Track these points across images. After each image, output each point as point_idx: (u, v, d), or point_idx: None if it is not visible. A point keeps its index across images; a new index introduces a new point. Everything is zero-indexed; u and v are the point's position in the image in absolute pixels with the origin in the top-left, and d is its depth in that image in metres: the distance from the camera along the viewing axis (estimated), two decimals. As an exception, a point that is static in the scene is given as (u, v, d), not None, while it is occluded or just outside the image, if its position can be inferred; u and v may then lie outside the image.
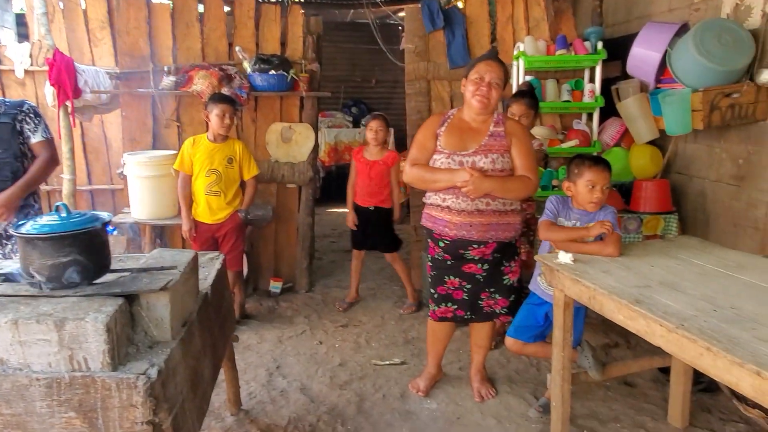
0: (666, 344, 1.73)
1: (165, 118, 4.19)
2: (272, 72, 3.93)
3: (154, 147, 4.25)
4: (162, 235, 4.37)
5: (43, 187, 5.25)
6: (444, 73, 4.39)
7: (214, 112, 3.46)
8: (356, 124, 8.71)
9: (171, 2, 4.10)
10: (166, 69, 4.04)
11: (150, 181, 3.94)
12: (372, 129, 3.90)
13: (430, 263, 2.88)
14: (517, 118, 3.37)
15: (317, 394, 3.04)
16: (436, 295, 2.87)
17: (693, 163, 3.80)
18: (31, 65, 4.52)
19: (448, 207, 2.64)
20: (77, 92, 3.76)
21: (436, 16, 4.33)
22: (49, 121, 5.07)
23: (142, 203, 4.00)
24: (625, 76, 4.08)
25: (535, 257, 2.46)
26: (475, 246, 2.66)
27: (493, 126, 2.66)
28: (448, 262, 2.78)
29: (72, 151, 4.36)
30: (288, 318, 4.13)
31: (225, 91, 3.95)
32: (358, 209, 4.07)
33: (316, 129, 4.58)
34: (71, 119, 4.19)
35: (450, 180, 2.57)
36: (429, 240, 2.82)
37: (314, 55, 4.32)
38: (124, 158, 3.93)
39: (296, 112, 4.39)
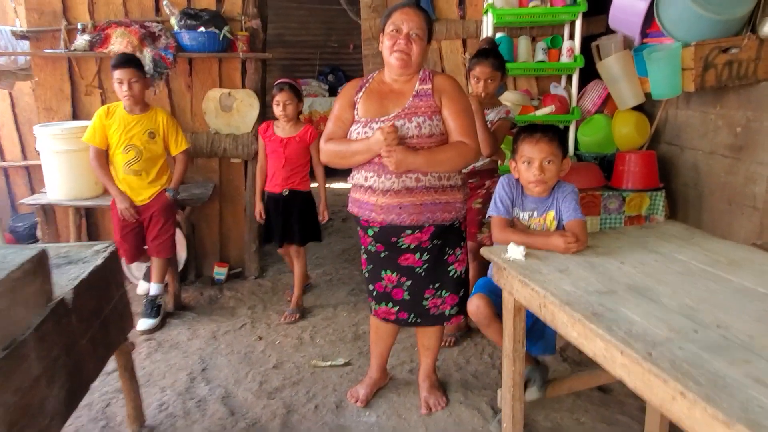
0: (629, 378, 1.29)
1: (84, 84, 3.67)
2: (201, 29, 3.40)
3: (74, 117, 3.74)
4: (88, 218, 3.91)
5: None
6: (405, 31, 3.85)
7: (114, 79, 2.96)
8: (333, 92, 8.17)
9: (83, -53, 3.52)
10: (80, 26, 3.50)
11: (66, 156, 3.45)
12: (278, 102, 3.21)
13: (364, 255, 2.43)
14: (481, 82, 2.89)
15: (240, 404, 2.62)
16: (374, 293, 2.43)
17: (684, 131, 3.31)
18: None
19: (370, 187, 2.18)
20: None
21: (395, -35, 3.78)
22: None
23: (59, 182, 3.51)
24: (611, 32, 3.56)
25: (481, 251, 2.00)
26: (409, 232, 2.21)
27: (418, 84, 2.18)
28: (382, 254, 2.33)
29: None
30: (229, 309, 3.70)
31: (147, 51, 3.43)
32: (269, 197, 3.41)
33: (262, 96, 4.07)
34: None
35: (367, 148, 2.12)
36: (359, 228, 2.37)
37: (256, 11, 3.78)
38: (35, 131, 3.42)
39: (238, 77, 3.88)
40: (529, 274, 1.70)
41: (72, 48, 3.45)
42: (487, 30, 3.65)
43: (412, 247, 2.26)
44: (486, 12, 3.61)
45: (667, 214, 3.25)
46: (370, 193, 2.20)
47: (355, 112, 2.23)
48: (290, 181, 3.33)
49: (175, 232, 3.42)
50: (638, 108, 3.47)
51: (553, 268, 1.74)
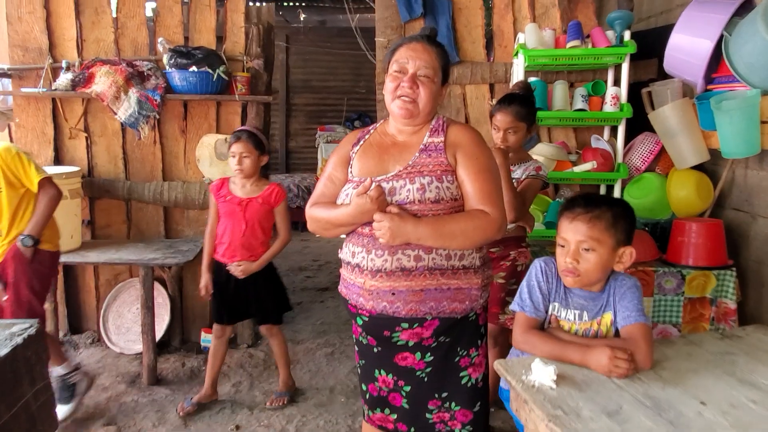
0: None
1: (69, 126, 3.34)
2: (193, 68, 3.03)
3: (57, 162, 3.40)
4: (66, 274, 3.51)
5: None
6: (424, 74, 3.42)
7: None
8: (358, 139, 7.83)
9: (73, -19, 3.25)
10: (64, 64, 3.19)
11: (38, 207, 3.07)
12: (233, 154, 2.63)
13: (355, 347, 1.91)
14: (501, 133, 2.40)
15: None
16: (367, 396, 1.89)
17: (756, 196, 2.71)
18: None
19: (358, 266, 1.68)
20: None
21: (414, 2, 3.39)
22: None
23: (30, 234, 3.12)
24: (664, 77, 3.04)
25: (494, 365, 1.45)
26: (405, 325, 1.67)
27: (428, 136, 1.69)
28: (375, 349, 1.80)
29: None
30: (211, 386, 3.18)
31: (133, 92, 3.08)
32: (219, 267, 2.77)
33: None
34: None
35: (351, 219, 1.63)
36: (348, 314, 1.85)
37: (259, 51, 3.42)
38: None
39: (237, 122, 3.49)
40: (561, 418, 1.14)
41: (53, 87, 3.13)
42: (517, 74, 3.18)
43: (410, 344, 1.72)
44: (516, 54, 3.15)
45: (738, 297, 2.63)
46: (357, 273, 1.69)
47: (349, 169, 1.76)
48: (250, 252, 2.72)
49: (36, 293, 2.56)
50: (699, 167, 2.90)
51: (598, 409, 1.17)
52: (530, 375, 1.31)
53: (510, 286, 2.46)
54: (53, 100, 3.30)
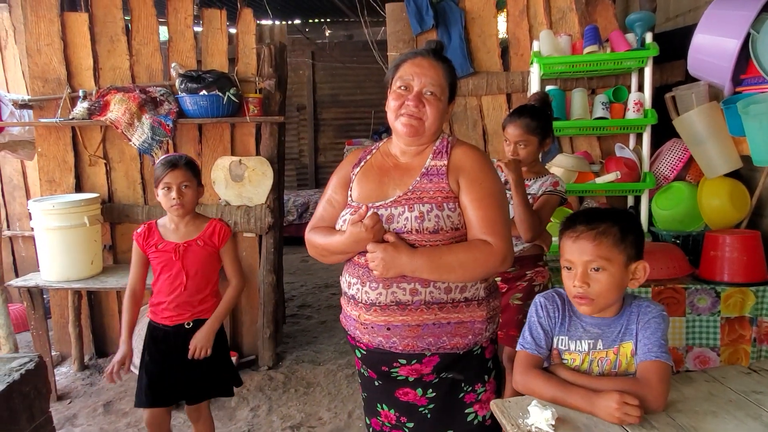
0: None
1: (88, 154, 3.40)
2: (203, 92, 3.04)
3: (78, 189, 3.46)
4: (90, 301, 3.56)
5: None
6: (438, 87, 3.34)
7: None
8: (386, 152, 7.79)
9: (88, 12, 3.31)
10: (81, 94, 3.25)
11: (59, 234, 3.13)
12: (168, 186, 2.11)
13: (359, 379, 1.83)
14: (512, 146, 2.29)
15: None
16: (370, 429, 1.81)
17: (799, 205, 2.50)
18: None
19: (353, 297, 1.59)
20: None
21: (425, 14, 3.31)
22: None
23: (52, 261, 3.19)
24: (690, 81, 2.86)
25: (491, 405, 1.33)
26: (403, 361, 1.58)
27: (430, 158, 1.60)
28: (376, 383, 1.71)
29: (-4, 195, 3.72)
30: (229, 410, 3.15)
31: (146, 118, 3.10)
32: (155, 332, 2.22)
33: (279, 162, 3.65)
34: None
35: (346, 245, 1.54)
36: (349, 345, 1.77)
37: (271, 71, 3.40)
38: (29, 206, 3.14)
39: (252, 144, 3.48)
40: (556, 473, 1.03)
41: (70, 116, 3.19)
42: (534, 83, 3.06)
43: (410, 380, 1.63)
44: (532, 62, 3.03)
45: (781, 316, 2.42)
46: (353, 305, 1.61)
47: (349, 192, 1.68)
48: (197, 306, 2.21)
49: None
50: (733, 173, 2.70)
51: (598, 462, 1.05)
52: (527, 419, 1.20)
53: (527, 308, 2.33)
54: (73, 128, 3.37)
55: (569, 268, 1.36)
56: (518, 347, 1.41)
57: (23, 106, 3.35)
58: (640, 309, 1.36)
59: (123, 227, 3.52)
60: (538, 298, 1.44)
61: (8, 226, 4.24)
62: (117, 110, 3.08)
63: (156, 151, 3.15)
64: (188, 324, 2.19)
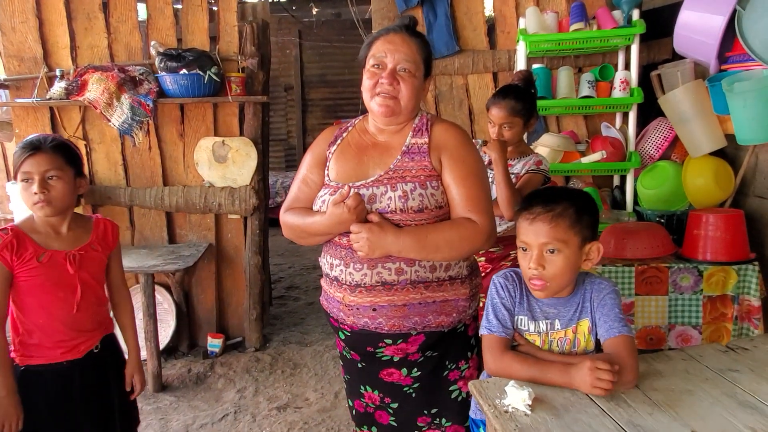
0: None
1: (67, 135, 3.33)
2: (184, 71, 2.97)
3: (58, 171, 3.39)
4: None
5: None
6: (424, 66, 3.29)
7: None
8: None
9: (63, -13, 3.22)
10: (58, 73, 3.17)
11: (39, 217, 3.08)
12: (29, 176, 1.56)
13: (341, 362, 1.82)
14: (496, 128, 2.26)
15: None
16: (353, 411, 1.81)
17: (783, 183, 2.51)
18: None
19: (336, 279, 1.58)
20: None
21: (411, -10, 3.25)
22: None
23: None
24: (677, 59, 2.83)
25: (469, 385, 1.33)
26: (389, 341, 1.57)
27: (410, 137, 1.57)
28: (359, 365, 1.71)
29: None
30: (216, 392, 3.16)
31: (125, 98, 3.04)
32: (43, 373, 1.65)
33: (264, 143, 3.60)
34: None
35: (327, 226, 1.51)
36: (331, 327, 1.76)
37: (254, 49, 3.34)
38: (7, 188, 3.09)
39: (235, 124, 3.42)
40: (531, 451, 1.03)
41: (47, 96, 3.12)
42: (521, 61, 3.02)
43: (395, 360, 1.62)
44: (519, 40, 2.99)
45: (763, 294, 2.44)
46: (336, 287, 1.59)
47: (326, 172, 1.65)
48: (101, 323, 1.77)
49: None
50: (718, 152, 2.70)
51: (574, 438, 1.05)
52: (504, 399, 1.20)
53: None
54: (51, 109, 3.29)
55: (525, 249, 1.35)
56: (484, 331, 1.40)
57: (-1, 85, 3.27)
58: (593, 286, 1.37)
59: (105, 209, 3.47)
60: (497, 278, 1.43)
61: (-12, 209, 4.16)
62: (95, 90, 3.01)
63: (136, 132, 3.09)
64: (96, 348, 1.72)
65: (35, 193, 1.54)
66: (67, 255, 1.62)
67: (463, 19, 3.31)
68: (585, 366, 1.19)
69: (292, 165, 8.86)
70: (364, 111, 1.65)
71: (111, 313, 1.86)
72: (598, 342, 1.33)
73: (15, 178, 1.57)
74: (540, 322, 1.38)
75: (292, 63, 8.78)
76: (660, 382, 1.24)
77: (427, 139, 1.55)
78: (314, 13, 8.51)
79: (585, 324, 1.36)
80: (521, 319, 1.39)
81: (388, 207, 1.47)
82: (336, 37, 8.60)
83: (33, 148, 1.55)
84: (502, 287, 1.40)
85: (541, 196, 1.35)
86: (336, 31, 8.67)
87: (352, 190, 1.48)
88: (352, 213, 1.44)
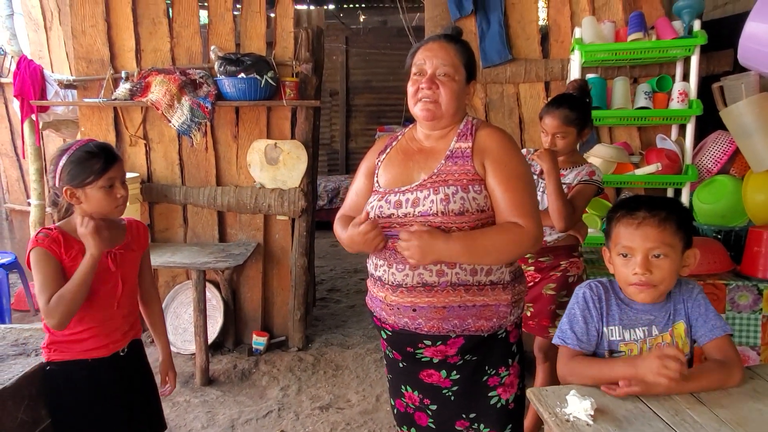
0: None
1: (129, 134, 3.47)
2: (242, 75, 3.07)
3: (119, 169, 3.54)
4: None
5: (8, 205, 4.80)
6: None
7: None
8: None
9: (131, -7, 3.37)
10: (123, 75, 3.32)
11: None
12: (109, 183, 1.63)
13: (384, 361, 1.85)
14: (549, 137, 2.26)
15: None
16: (395, 411, 1.83)
17: None
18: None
19: (380, 279, 1.62)
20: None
21: (465, -1, 3.27)
22: (16, 137, 4.63)
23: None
24: (741, 71, 2.76)
25: (528, 393, 1.33)
26: (428, 342, 1.59)
27: (455, 141, 1.59)
28: (400, 364, 1.73)
29: (41, 171, 3.83)
30: (260, 388, 3.23)
31: (186, 100, 3.16)
32: (96, 367, 1.70)
33: (314, 147, 3.67)
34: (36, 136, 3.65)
35: (348, 245, 1.62)
36: (374, 327, 1.80)
37: (308, 55, 3.42)
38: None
39: (287, 127, 3.51)
40: (595, 462, 1.02)
41: (113, 97, 3.27)
42: (574, 71, 2.99)
43: (435, 361, 1.64)
44: (573, 49, 2.97)
45: (827, 316, 2.34)
46: (380, 287, 1.63)
47: (375, 179, 1.69)
48: (132, 325, 1.82)
49: None
50: (780, 168, 2.61)
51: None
52: (565, 408, 1.20)
53: (560, 299, 2.31)
54: (115, 109, 3.44)
55: (626, 255, 1.35)
56: (558, 341, 1.40)
57: (68, 86, 3.44)
58: (681, 288, 1.38)
59: (161, 207, 3.60)
60: (580, 290, 1.43)
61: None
62: (158, 91, 3.13)
63: (194, 133, 3.21)
64: (123, 351, 1.76)
65: (120, 196, 1.64)
66: (109, 253, 1.67)
67: (516, 27, 3.30)
68: (653, 353, 1.21)
69: (335, 169, 8.97)
70: (408, 117, 1.71)
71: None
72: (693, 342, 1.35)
73: (88, 186, 1.58)
74: (636, 329, 1.38)
75: (338, 69, 8.91)
76: (727, 400, 1.22)
77: (470, 144, 1.57)
78: (361, 20, 8.63)
79: (681, 326, 1.37)
80: (612, 330, 1.39)
81: (430, 210, 1.50)
82: (382, 44, 8.70)
83: (113, 156, 1.66)
84: (585, 299, 1.41)
85: (643, 202, 1.36)
86: (382, 38, 8.76)
87: (371, 214, 1.54)
88: (362, 238, 1.50)
